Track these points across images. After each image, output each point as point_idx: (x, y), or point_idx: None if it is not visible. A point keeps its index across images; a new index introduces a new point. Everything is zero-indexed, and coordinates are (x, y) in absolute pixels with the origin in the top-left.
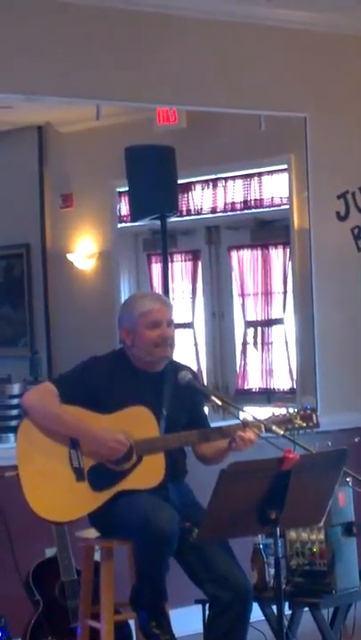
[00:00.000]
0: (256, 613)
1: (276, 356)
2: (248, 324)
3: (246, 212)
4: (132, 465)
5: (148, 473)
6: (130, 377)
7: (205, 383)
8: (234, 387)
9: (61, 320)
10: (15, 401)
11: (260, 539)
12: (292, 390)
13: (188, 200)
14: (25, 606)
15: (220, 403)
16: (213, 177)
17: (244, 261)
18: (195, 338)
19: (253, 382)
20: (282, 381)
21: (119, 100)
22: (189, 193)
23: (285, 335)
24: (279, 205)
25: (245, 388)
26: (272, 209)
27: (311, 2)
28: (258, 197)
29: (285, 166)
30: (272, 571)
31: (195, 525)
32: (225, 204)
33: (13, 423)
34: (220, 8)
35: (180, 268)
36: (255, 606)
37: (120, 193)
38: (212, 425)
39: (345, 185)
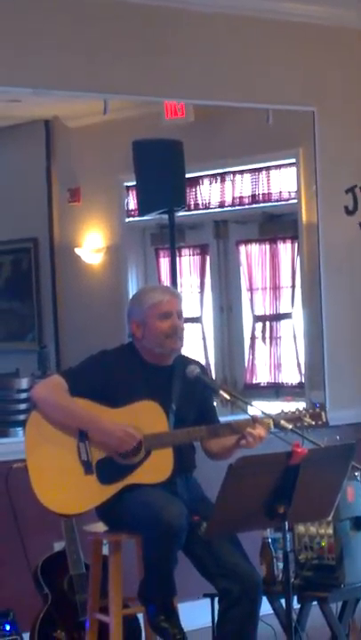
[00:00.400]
0: (265, 607)
1: (284, 350)
2: (256, 318)
3: (254, 206)
4: (140, 459)
5: (157, 467)
6: (139, 371)
7: (214, 377)
8: (242, 381)
9: (69, 314)
10: (23, 395)
11: (268, 533)
12: (300, 385)
13: (195, 194)
14: (34, 600)
15: (228, 397)
16: (221, 171)
17: (252, 256)
18: (203, 332)
19: (262, 377)
20: (290, 376)
21: (127, 93)
22: (197, 187)
23: (294, 329)
24: (287, 199)
25: (254, 382)
26: (280, 203)
27: None
28: (266, 191)
29: (293, 160)
30: (281, 565)
31: (203, 519)
32: (233, 198)
33: (22, 417)
34: (227, 2)
35: (188, 262)
36: (264, 600)
37: (128, 187)
38: (221, 420)
39: (353, 179)
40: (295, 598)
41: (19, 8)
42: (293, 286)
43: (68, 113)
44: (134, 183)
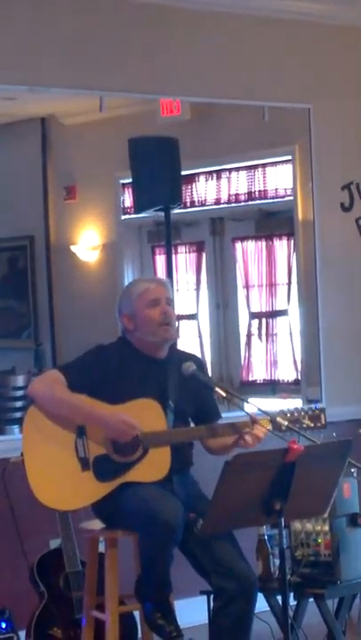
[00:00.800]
0: (261, 604)
1: (280, 347)
2: (252, 315)
3: (250, 203)
4: (137, 457)
5: (154, 466)
6: (135, 364)
7: (210, 374)
8: (238, 378)
9: (65, 312)
10: (20, 393)
11: (264, 530)
12: (296, 381)
13: (191, 191)
14: (30, 598)
15: (224, 394)
16: (217, 168)
17: (248, 253)
18: (199, 329)
19: (258, 374)
20: (286, 373)
21: (123, 91)
22: (193, 184)
23: (290, 326)
24: (283, 197)
25: (250, 379)
26: (276, 200)
27: None
28: (262, 189)
29: (289, 157)
30: (277, 561)
31: (200, 517)
32: (229, 195)
33: (18, 415)
34: (223, 0)
35: (184, 259)
36: (260, 597)
37: (124, 185)
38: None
39: (349, 176)
40: (292, 595)
41: (14, 6)
42: (290, 283)
43: (63, 110)
44: (130, 180)
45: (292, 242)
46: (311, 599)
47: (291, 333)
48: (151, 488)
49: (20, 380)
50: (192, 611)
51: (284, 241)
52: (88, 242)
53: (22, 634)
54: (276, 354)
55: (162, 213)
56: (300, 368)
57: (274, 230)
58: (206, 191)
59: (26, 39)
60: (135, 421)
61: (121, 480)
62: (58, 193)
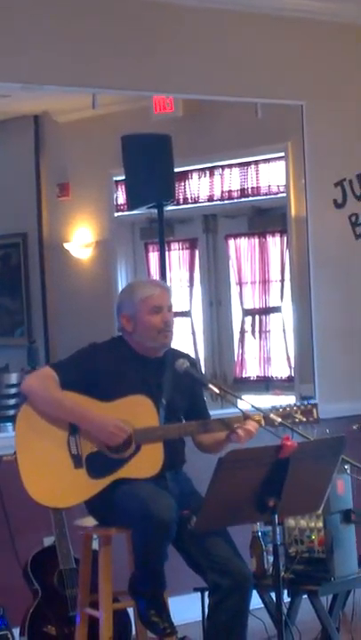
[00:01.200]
0: (255, 601)
1: (273, 344)
2: (246, 312)
3: (243, 200)
4: (130, 453)
5: (147, 462)
6: (129, 363)
7: (203, 371)
8: (232, 375)
9: (59, 309)
10: (13, 390)
11: (258, 526)
12: (290, 378)
13: (185, 188)
14: (24, 595)
15: (218, 391)
16: (210, 165)
17: (241, 249)
18: (192, 326)
19: (251, 370)
20: (280, 369)
21: (116, 88)
22: (186, 181)
23: (283, 323)
24: (276, 193)
25: (243, 376)
26: (269, 197)
27: None
28: (255, 185)
29: (282, 154)
30: (271, 558)
31: (194, 513)
32: (222, 192)
33: (11, 412)
34: None
35: (177, 256)
36: (254, 594)
37: (117, 182)
38: (211, 414)
39: (342, 172)
40: (285, 592)
41: (7, 3)
42: (283, 280)
43: (57, 108)
44: (123, 178)
45: (285, 239)
46: (305, 596)
47: (284, 330)
48: (145, 485)
49: (13, 378)
50: (186, 608)
51: (277, 238)
52: (81, 239)
53: (16, 631)
54: (269, 351)
55: (155, 210)
56: (293, 365)
57: (267, 227)
58: (199, 188)
59: (19, 37)
60: (126, 426)
61: (114, 477)
62: (51, 190)
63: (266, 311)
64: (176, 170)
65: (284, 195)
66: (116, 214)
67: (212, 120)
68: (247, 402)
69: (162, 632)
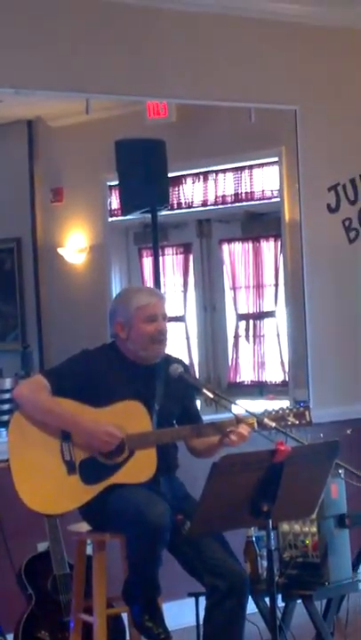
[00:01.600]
0: (249, 606)
1: (267, 348)
2: (240, 316)
3: (237, 204)
4: (123, 459)
5: (140, 467)
6: (122, 370)
7: (197, 376)
8: (226, 380)
9: (52, 314)
10: (6, 395)
11: (252, 531)
12: (284, 383)
13: (178, 193)
14: (17, 601)
15: (211, 396)
16: (204, 170)
17: (235, 254)
18: (186, 331)
19: (245, 375)
20: (274, 374)
21: (109, 93)
22: (180, 186)
23: (277, 328)
24: (270, 198)
25: (237, 380)
26: (263, 202)
27: None
28: (249, 190)
29: (276, 159)
30: (265, 563)
31: (187, 518)
32: (216, 197)
33: (5, 418)
34: (210, 1)
35: (171, 261)
36: (249, 599)
37: (111, 187)
38: (205, 419)
39: (336, 177)
40: (280, 596)
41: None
42: (277, 285)
43: (50, 113)
44: (117, 183)
45: (279, 243)
46: (299, 600)
47: (278, 335)
48: (138, 490)
49: (7, 383)
50: (180, 613)
51: (271, 242)
52: (75, 244)
53: (10, 637)
54: (263, 355)
55: (149, 215)
56: (287, 369)
57: (261, 232)
58: (193, 193)
59: (12, 41)
60: (118, 432)
61: (108, 482)
62: (45, 195)
63: (260, 316)
64: (170, 175)
65: (278, 199)
66: (109, 219)
67: (206, 125)
68: (241, 406)
69: (156, 637)
